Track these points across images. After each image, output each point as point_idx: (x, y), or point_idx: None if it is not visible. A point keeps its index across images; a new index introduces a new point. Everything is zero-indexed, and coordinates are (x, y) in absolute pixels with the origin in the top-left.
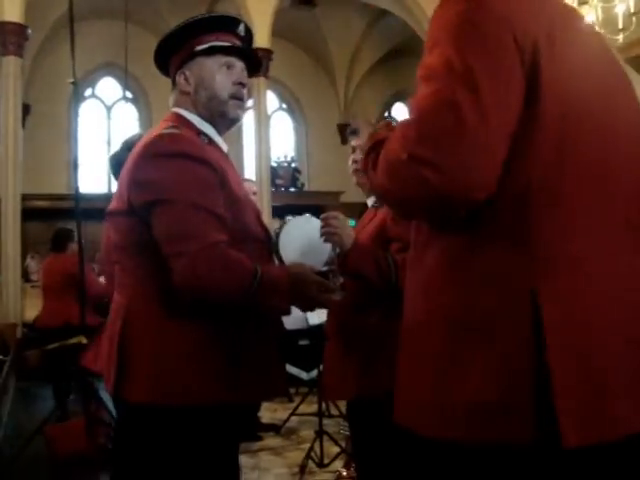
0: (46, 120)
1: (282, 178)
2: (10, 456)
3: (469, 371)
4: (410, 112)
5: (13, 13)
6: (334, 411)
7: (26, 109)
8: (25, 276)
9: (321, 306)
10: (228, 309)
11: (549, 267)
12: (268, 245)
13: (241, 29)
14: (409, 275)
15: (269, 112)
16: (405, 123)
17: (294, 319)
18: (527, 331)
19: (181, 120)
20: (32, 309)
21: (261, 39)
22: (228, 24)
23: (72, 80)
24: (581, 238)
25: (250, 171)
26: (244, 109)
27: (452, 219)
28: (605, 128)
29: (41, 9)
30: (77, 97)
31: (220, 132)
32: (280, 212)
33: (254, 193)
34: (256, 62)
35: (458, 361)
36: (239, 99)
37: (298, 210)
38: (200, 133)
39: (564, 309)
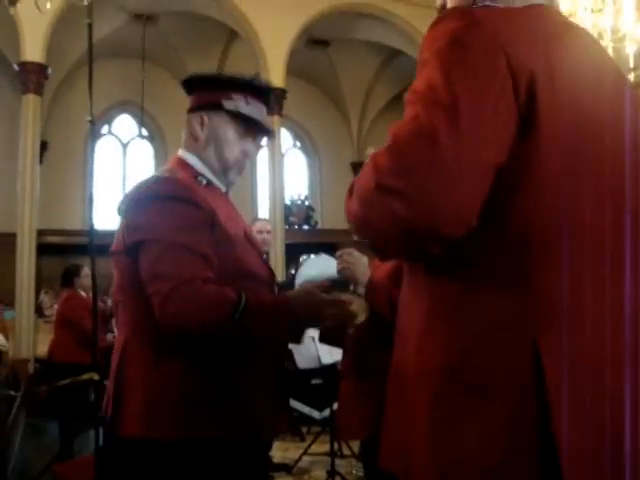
0: (63, 157)
1: (296, 216)
2: None
3: (466, 430)
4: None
5: (34, 53)
6: (346, 451)
7: (44, 146)
8: (39, 311)
9: (334, 320)
10: (221, 343)
11: (550, 322)
12: (271, 283)
13: (268, 99)
14: (401, 312)
15: (283, 150)
16: (380, 150)
17: (307, 358)
18: (528, 389)
19: (182, 164)
20: (44, 345)
21: (276, 78)
22: (260, 91)
23: (90, 118)
24: (580, 285)
25: (264, 209)
26: (243, 174)
27: (429, 257)
28: (609, 165)
29: (61, 49)
30: (94, 135)
31: (219, 179)
32: (294, 250)
33: (268, 232)
34: (270, 135)
35: (455, 418)
36: (241, 168)
37: (312, 248)
38: (198, 175)
39: (568, 367)
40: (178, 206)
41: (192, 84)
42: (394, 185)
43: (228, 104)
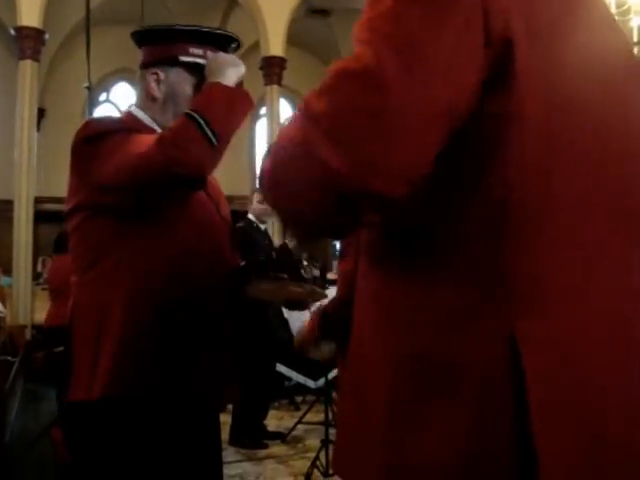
0: (60, 124)
1: None
2: (16, 457)
3: (427, 429)
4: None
5: (31, 18)
6: None
7: (41, 113)
8: (37, 278)
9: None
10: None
11: (531, 305)
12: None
13: (232, 48)
14: (359, 288)
15: (282, 120)
16: (312, 93)
17: (301, 328)
18: (502, 384)
19: (130, 117)
20: (42, 311)
21: (275, 47)
22: (221, 42)
23: (87, 85)
24: (571, 266)
25: None
26: None
27: (355, 224)
28: (608, 133)
29: (59, 14)
30: (92, 102)
31: None
32: None
33: (259, 202)
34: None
35: (414, 414)
36: None
37: None
38: (144, 129)
39: (551, 358)
40: (125, 134)
41: (143, 37)
42: (329, 130)
43: (187, 59)
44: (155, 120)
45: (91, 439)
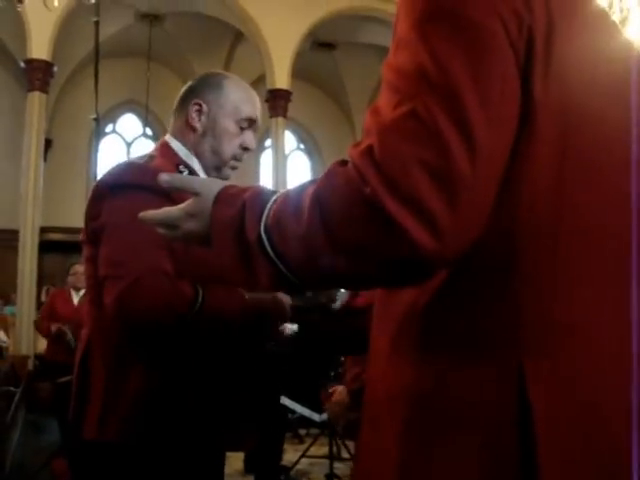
0: (67, 155)
1: None
2: None
3: (437, 462)
4: (367, 132)
5: (41, 50)
6: (345, 454)
7: (48, 144)
8: (40, 308)
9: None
10: (180, 347)
11: (540, 336)
12: None
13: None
14: (373, 326)
15: (287, 152)
16: (364, 146)
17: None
18: (510, 427)
19: (166, 150)
20: (44, 342)
21: (281, 80)
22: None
23: (94, 116)
24: (581, 303)
25: None
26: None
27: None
28: (620, 149)
29: (68, 47)
30: (98, 133)
31: (207, 173)
32: None
33: None
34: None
35: (425, 448)
36: (238, 161)
37: None
38: (181, 164)
39: (561, 398)
40: (141, 194)
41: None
42: (415, 197)
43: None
44: (191, 150)
45: (99, 477)
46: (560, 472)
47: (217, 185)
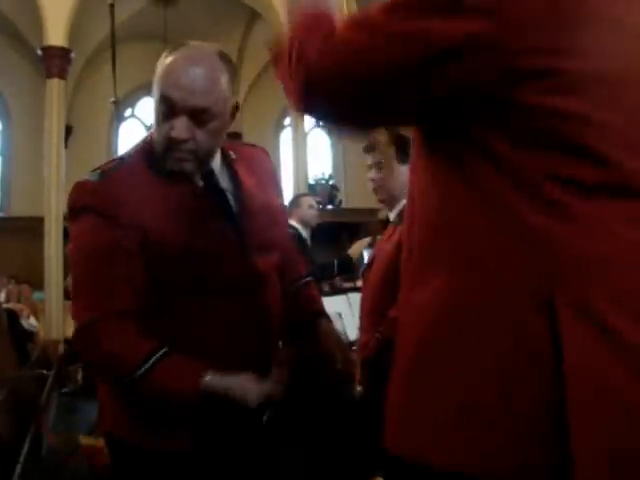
0: (87, 141)
1: (320, 195)
2: (52, 471)
3: (452, 369)
4: None
5: (57, 37)
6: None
7: (68, 130)
8: (66, 294)
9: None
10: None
11: (573, 273)
12: (253, 286)
13: None
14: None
15: (306, 130)
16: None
17: None
18: (540, 362)
19: (142, 147)
20: (72, 326)
21: None
22: None
23: (113, 99)
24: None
25: (288, 189)
26: (194, 162)
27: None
28: None
29: (84, 33)
30: (118, 117)
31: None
32: (318, 229)
33: (310, 206)
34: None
35: (441, 354)
36: (181, 153)
37: (336, 227)
38: (152, 165)
39: (589, 328)
40: (91, 218)
41: None
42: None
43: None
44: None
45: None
46: (588, 400)
47: None
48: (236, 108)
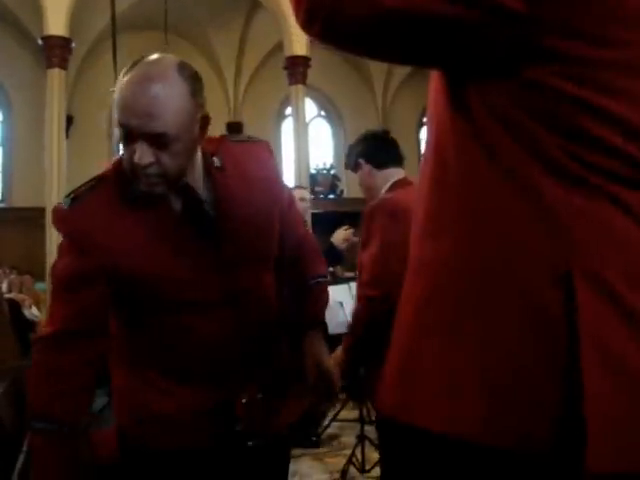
0: (89, 131)
1: (321, 185)
2: None
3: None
4: None
5: (57, 27)
6: (375, 416)
7: (69, 120)
8: None
9: None
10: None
11: (589, 243)
12: (228, 299)
13: None
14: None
15: (307, 119)
16: None
17: (335, 324)
18: (555, 332)
19: (119, 166)
20: None
21: (299, 47)
22: None
23: (114, 89)
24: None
25: (289, 178)
26: (163, 184)
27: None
28: None
29: (84, 22)
30: None
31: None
32: (320, 219)
33: (301, 199)
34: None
35: (449, 317)
36: (148, 178)
37: (338, 216)
38: (124, 188)
39: (605, 299)
40: (65, 243)
41: None
42: None
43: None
44: None
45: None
46: (602, 371)
47: None
48: (206, 119)
